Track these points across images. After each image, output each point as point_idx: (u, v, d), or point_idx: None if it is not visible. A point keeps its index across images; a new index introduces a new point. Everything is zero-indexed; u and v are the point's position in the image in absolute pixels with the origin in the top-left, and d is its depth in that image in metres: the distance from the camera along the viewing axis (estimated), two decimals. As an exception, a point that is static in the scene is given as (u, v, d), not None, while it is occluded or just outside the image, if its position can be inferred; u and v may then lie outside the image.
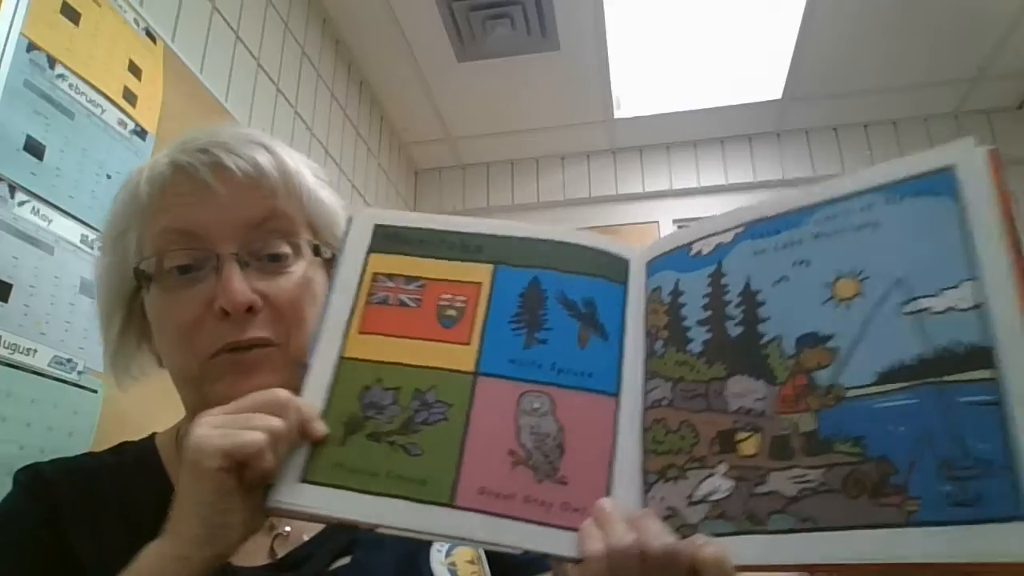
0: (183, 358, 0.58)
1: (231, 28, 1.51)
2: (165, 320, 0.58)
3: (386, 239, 0.56)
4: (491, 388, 0.50)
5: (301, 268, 0.60)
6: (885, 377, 0.42)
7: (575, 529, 0.45)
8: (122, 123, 1.08)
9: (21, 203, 0.88)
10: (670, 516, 0.45)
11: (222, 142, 0.59)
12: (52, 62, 0.96)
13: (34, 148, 0.91)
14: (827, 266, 0.47)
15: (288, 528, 0.60)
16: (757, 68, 2.26)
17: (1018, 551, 0.36)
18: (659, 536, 0.43)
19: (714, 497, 0.44)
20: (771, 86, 2.33)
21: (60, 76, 0.97)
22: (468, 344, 0.51)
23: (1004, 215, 0.43)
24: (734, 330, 0.48)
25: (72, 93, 0.98)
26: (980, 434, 0.39)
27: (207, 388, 0.56)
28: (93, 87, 1.02)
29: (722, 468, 0.45)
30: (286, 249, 0.59)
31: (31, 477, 0.60)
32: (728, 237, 0.52)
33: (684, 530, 0.45)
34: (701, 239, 0.53)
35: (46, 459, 0.61)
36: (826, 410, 0.43)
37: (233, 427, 0.44)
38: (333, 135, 2.02)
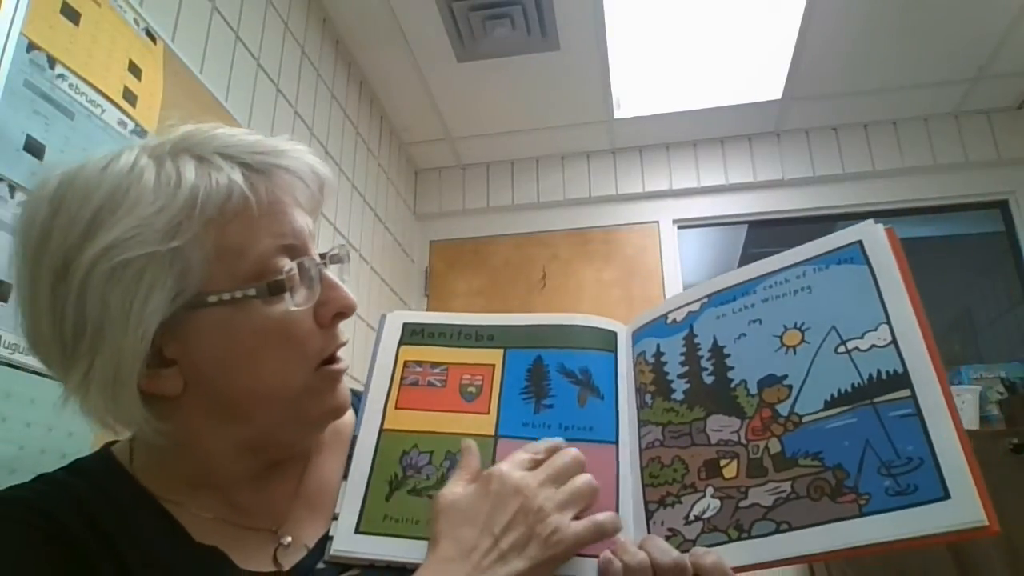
0: (291, 374, 0.55)
1: (231, 28, 1.51)
2: (276, 335, 0.53)
3: (413, 334, 0.67)
4: (510, 447, 0.59)
5: None
6: (830, 403, 0.54)
7: (595, 556, 0.53)
8: (122, 123, 1.08)
9: (21, 203, 0.88)
10: (671, 536, 0.55)
11: (297, 148, 0.58)
12: (52, 62, 0.96)
13: (34, 148, 0.91)
14: (776, 322, 0.59)
15: (290, 538, 0.59)
16: (757, 68, 2.26)
17: (947, 523, 0.46)
18: (666, 552, 0.51)
19: (706, 515, 0.54)
20: (771, 86, 2.33)
21: (60, 76, 0.97)
22: (488, 413, 0.62)
23: (903, 273, 0.56)
24: (708, 379, 0.60)
25: (72, 93, 0.98)
26: (907, 439, 0.50)
27: (307, 403, 0.56)
28: (93, 87, 1.02)
29: (710, 491, 0.55)
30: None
31: (39, 518, 0.50)
32: (696, 306, 0.64)
33: (685, 545, 0.54)
34: (674, 310, 0.65)
35: (46, 459, 0.59)
36: (788, 434, 0.54)
37: (577, 502, 0.54)
38: (333, 135, 2.02)
